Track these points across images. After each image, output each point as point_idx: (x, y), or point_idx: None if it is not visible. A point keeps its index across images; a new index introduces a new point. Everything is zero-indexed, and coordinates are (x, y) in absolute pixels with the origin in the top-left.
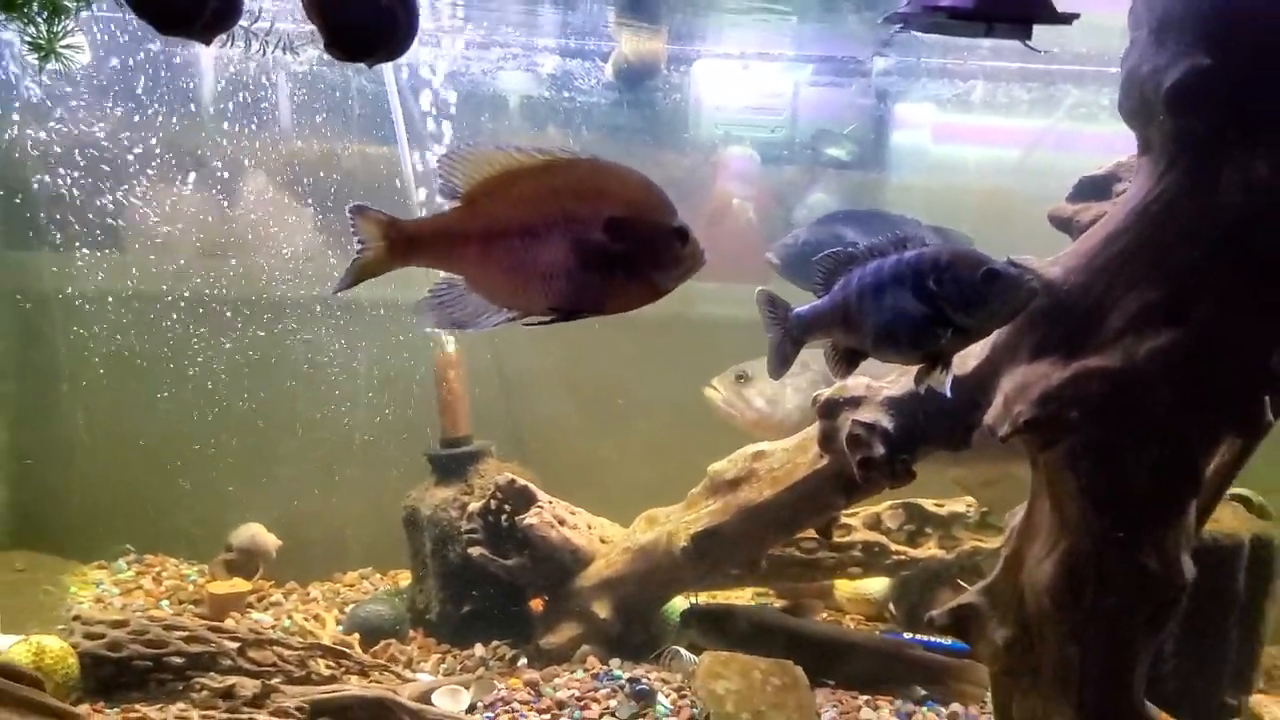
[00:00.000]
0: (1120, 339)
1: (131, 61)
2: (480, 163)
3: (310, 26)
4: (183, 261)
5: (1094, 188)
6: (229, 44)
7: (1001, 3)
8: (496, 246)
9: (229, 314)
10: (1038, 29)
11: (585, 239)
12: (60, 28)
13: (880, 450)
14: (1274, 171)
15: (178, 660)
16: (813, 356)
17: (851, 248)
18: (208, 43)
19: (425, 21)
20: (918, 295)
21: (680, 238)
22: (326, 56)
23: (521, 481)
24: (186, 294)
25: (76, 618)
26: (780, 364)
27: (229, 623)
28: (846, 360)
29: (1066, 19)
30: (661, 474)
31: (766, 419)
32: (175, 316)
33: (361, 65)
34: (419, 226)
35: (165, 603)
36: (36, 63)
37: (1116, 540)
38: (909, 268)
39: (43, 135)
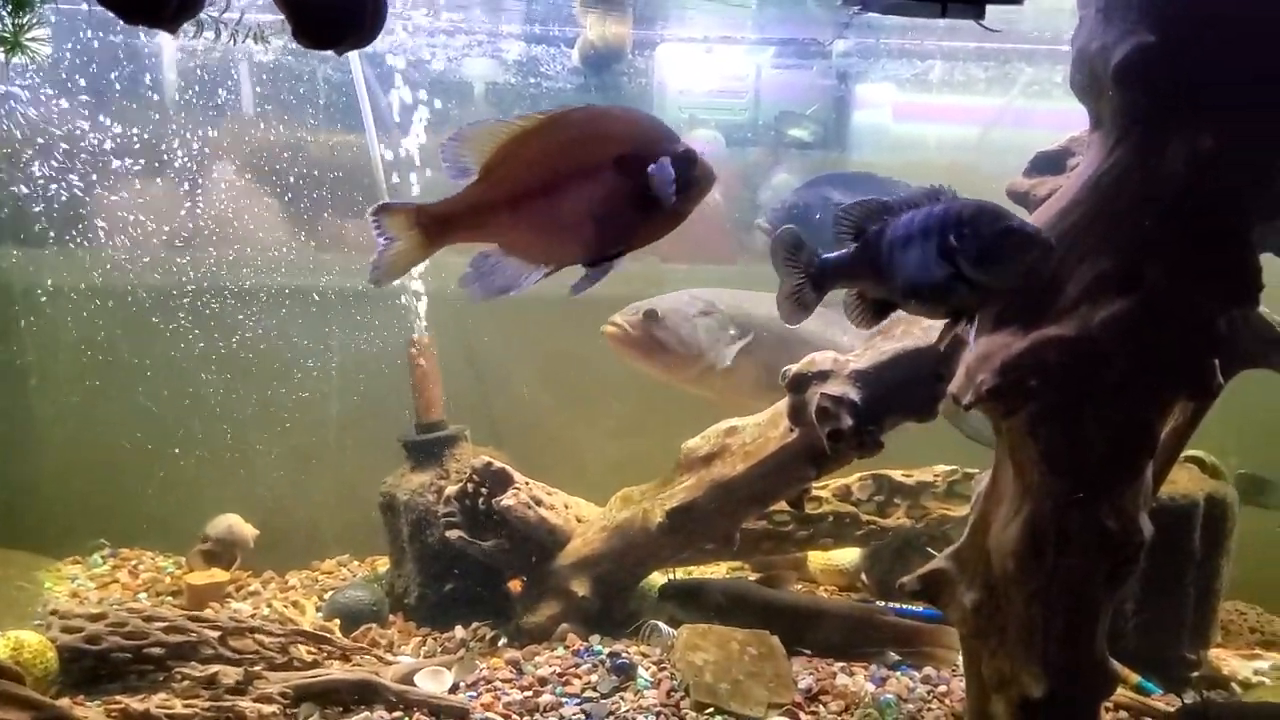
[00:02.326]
0: (1076, 308)
1: (96, 52)
2: (488, 136)
3: (279, 15)
4: (151, 253)
5: (1049, 162)
6: (199, 33)
7: None
8: (523, 209)
9: (199, 305)
10: (990, 9)
11: (601, 183)
12: (25, 20)
13: (848, 422)
14: (1217, 143)
15: (158, 651)
16: (716, 296)
17: (886, 199)
18: (173, 32)
19: (391, 8)
20: (940, 251)
21: (688, 161)
22: (294, 45)
23: (498, 464)
24: (155, 285)
25: (54, 612)
26: (798, 310)
27: (208, 612)
28: (874, 311)
29: None
30: (634, 453)
31: (679, 360)
32: (145, 308)
33: (329, 53)
34: (448, 207)
35: (143, 595)
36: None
37: (1076, 502)
38: (935, 222)
39: (5, 128)
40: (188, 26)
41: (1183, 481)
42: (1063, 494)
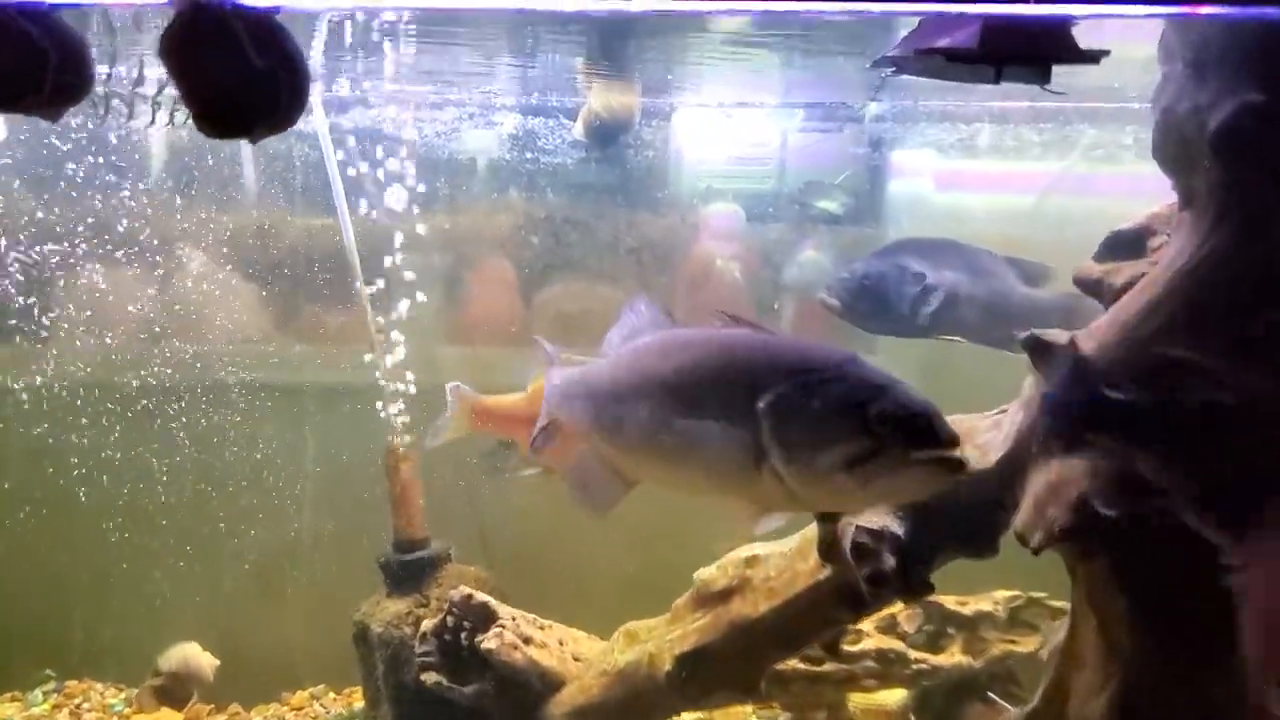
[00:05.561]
0: None
1: (57, 137)
2: None
3: None
4: (109, 346)
5: (1125, 244)
6: (105, 117)
7: (1011, 41)
8: None
9: (160, 404)
10: (1056, 69)
11: None
12: None
13: (891, 562)
14: None
15: None
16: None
17: None
18: (54, 120)
19: (375, 81)
20: None
21: None
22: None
23: (480, 597)
24: (113, 383)
25: None
26: None
27: None
28: None
29: (1093, 57)
30: (649, 566)
31: None
32: (100, 408)
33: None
34: None
35: None
36: None
37: (1179, 674)
38: None
39: None
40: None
41: None
42: (1162, 662)
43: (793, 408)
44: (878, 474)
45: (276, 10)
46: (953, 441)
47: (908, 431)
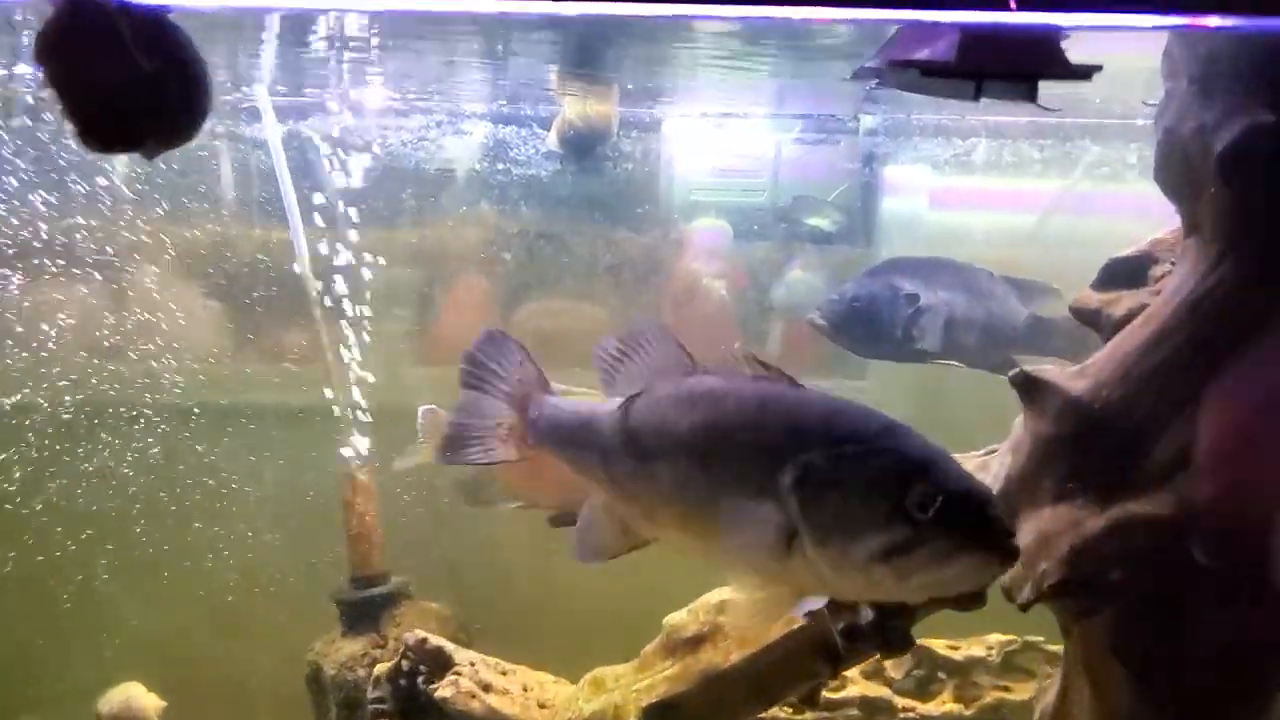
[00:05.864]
0: (1171, 475)
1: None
2: None
3: None
4: (47, 368)
5: (1126, 273)
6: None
7: (993, 54)
8: None
9: (108, 426)
10: (1045, 85)
11: None
12: None
13: (869, 615)
14: None
15: None
16: None
17: None
18: None
19: (335, 87)
20: None
21: None
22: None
23: (435, 641)
24: (55, 404)
25: None
26: None
27: None
28: None
29: (1083, 73)
30: (633, 596)
31: None
32: (40, 430)
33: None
34: None
35: None
36: None
37: None
38: None
39: None
40: None
41: None
42: None
43: (821, 484)
44: (918, 568)
45: (167, 9)
46: (1005, 530)
47: (953, 519)
